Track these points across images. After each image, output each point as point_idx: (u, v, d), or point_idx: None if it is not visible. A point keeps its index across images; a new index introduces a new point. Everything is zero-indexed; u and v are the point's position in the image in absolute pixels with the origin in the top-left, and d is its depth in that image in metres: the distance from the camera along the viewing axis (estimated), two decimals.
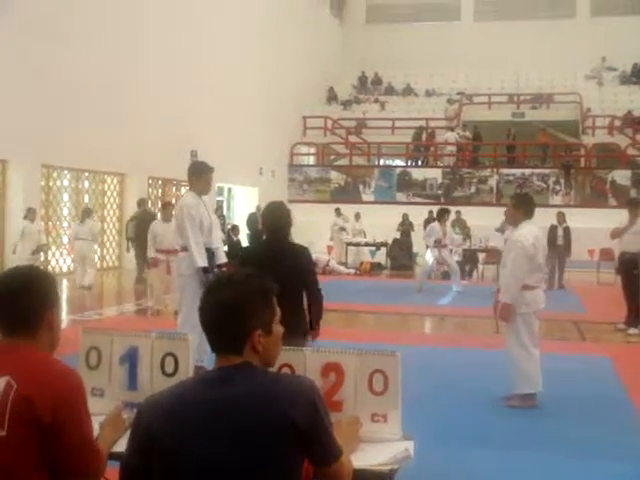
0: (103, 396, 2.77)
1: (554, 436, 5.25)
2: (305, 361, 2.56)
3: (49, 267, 15.31)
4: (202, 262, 6.58)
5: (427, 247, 15.02)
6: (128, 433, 2.43)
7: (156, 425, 1.93)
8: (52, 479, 2.12)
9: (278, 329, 2.10)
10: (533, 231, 6.02)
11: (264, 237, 4.96)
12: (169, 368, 2.69)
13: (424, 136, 26.88)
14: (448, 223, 15.13)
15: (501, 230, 14.72)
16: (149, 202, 18.98)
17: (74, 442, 2.11)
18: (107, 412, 2.59)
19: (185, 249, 6.75)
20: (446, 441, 4.98)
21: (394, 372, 2.53)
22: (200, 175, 6.78)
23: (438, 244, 14.59)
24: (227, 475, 1.87)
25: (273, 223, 4.86)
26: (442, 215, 14.91)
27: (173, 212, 9.38)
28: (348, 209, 21.77)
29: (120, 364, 2.76)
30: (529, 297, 5.97)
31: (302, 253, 4.87)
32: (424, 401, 5.50)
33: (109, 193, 18.01)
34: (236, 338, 2.00)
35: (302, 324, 4.63)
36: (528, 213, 6.07)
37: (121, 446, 2.40)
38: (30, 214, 13.32)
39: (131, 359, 2.74)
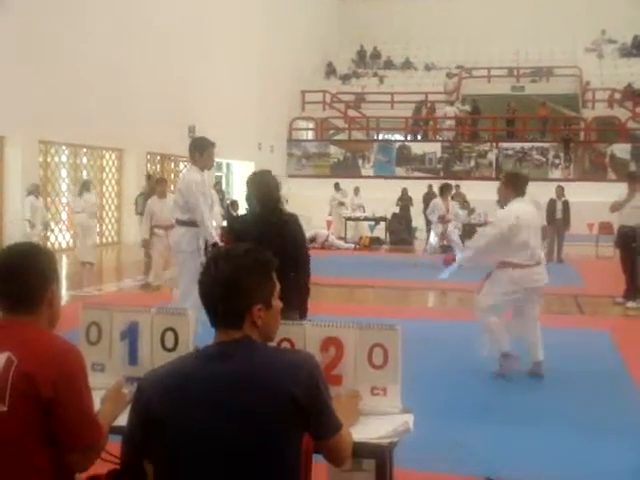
0: (104, 371, 2.78)
1: (553, 411, 5.28)
2: (305, 335, 2.56)
3: (48, 243, 15.31)
4: (217, 238, 6.72)
5: (430, 223, 15.00)
6: (129, 408, 2.45)
7: (156, 400, 1.94)
8: (55, 453, 2.13)
9: (277, 303, 2.11)
10: (518, 209, 5.99)
11: (257, 209, 4.86)
12: (169, 343, 2.69)
13: (423, 110, 26.76)
14: (450, 198, 15.10)
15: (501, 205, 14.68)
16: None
17: (75, 417, 2.12)
18: (108, 387, 2.59)
19: (185, 224, 6.74)
20: (446, 415, 5.01)
21: (394, 346, 2.53)
22: (203, 150, 6.76)
23: (442, 220, 14.56)
24: (227, 450, 1.89)
25: (266, 195, 4.81)
26: (444, 191, 14.86)
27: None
28: (347, 184, 21.72)
29: (120, 339, 2.76)
30: (516, 275, 5.99)
31: (297, 226, 4.84)
32: (424, 375, 5.53)
33: (107, 169, 17.97)
34: (236, 313, 2.00)
35: (296, 299, 4.59)
36: (518, 191, 6.06)
37: (122, 420, 2.41)
38: (35, 190, 13.28)
39: (131, 334, 2.73)
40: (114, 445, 2.36)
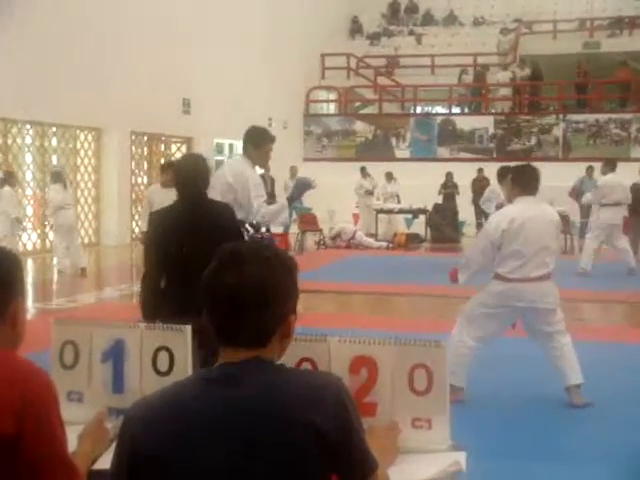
0: (82, 401, 2.79)
1: (631, 446, 5.25)
2: (329, 353, 2.56)
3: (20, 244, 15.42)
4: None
5: (483, 216, 14.92)
6: (113, 446, 2.46)
7: (147, 437, 1.94)
8: None
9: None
10: (515, 211, 6.00)
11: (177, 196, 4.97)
12: (162, 365, 2.69)
13: (467, 77, 26.68)
14: None
15: (575, 193, 14.64)
16: (133, 163, 19.06)
17: (44, 458, 2.12)
18: (87, 421, 2.60)
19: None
20: (502, 452, 5.00)
21: (440, 367, 2.52)
22: (259, 144, 6.84)
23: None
24: None
25: (187, 176, 4.88)
26: (505, 175, 14.78)
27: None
28: (377, 168, 21.72)
29: (102, 362, 2.76)
30: (498, 289, 6.06)
31: (227, 212, 4.92)
32: (474, 403, 5.52)
33: (82, 153, 18.09)
34: (268, 326, 2.00)
35: None
36: (525, 188, 6.08)
37: (104, 463, 2.43)
38: (11, 178, 13.43)
39: (116, 355, 2.74)
40: None
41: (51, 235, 17.08)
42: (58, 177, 14.12)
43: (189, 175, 4.88)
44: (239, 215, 7.03)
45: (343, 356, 2.55)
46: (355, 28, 30.94)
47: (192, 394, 1.99)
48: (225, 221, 4.83)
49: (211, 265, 2.06)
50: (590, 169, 18.93)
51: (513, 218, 5.91)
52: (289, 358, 2.52)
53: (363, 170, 21.57)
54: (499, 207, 14.17)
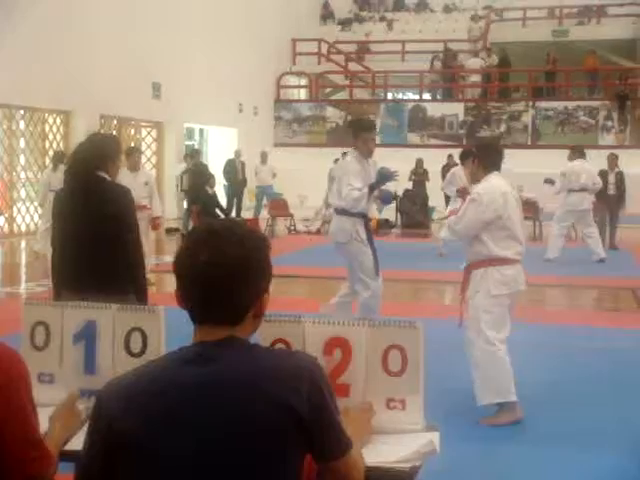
0: (53, 382, 2.75)
1: (604, 428, 5.29)
2: (304, 335, 2.54)
3: None
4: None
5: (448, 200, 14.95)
6: (85, 427, 2.44)
7: (121, 417, 1.92)
8: None
9: None
10: (500, 185, 5.56)
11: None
12: (135, 346, 2.66)
13: (438, 63, 26.71)
14: None
15: (550, 181, 14.68)
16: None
17: (16, 440, 2.10)
18: (58, 402, 2.57)
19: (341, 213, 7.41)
20: (472, 433, 5.02)
21: (414, 348, 2.51)
22: (357, 134, 7.34)
23: (462, 194, 14.53)
24: (215, 477, 1.87)
25: (78, 152, 4.86)
26: (466, 157, 14.83)
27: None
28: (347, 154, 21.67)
29: (74, 343, 2.72)
30: (509, 274, 5.43)
31: (121, 193, 4.81)
32: (444, 385, 5.53)
33: (51, 136, 17.90)
34: (242, 305, 1.99)
35: (123, 279, 4.64)
36: (495, 164, 5.72)
37: (76, 444, 2.39)
38: None
39: (88, 336, 2.70)
40: (65, 477, 2.35)
41: (20, 219, 16.97)
42: (57, 158, 13.97)
43: (81, 156, 4.82)
44: (336, 201, 7.41)
45: (317, 337, 2.54)
46: (326, 14, 30.85)
47: (167, 373, 1.97)
48: (113, 205, 4.69)
49: (184, 244, 2.04)
50: (612, 157, 18.61)
51: (504, 192, 5.52)
52: (263, 339, 2.52)
53: (344, 155, 21.44)
54: (460, 190, 14.22)
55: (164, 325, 2.68)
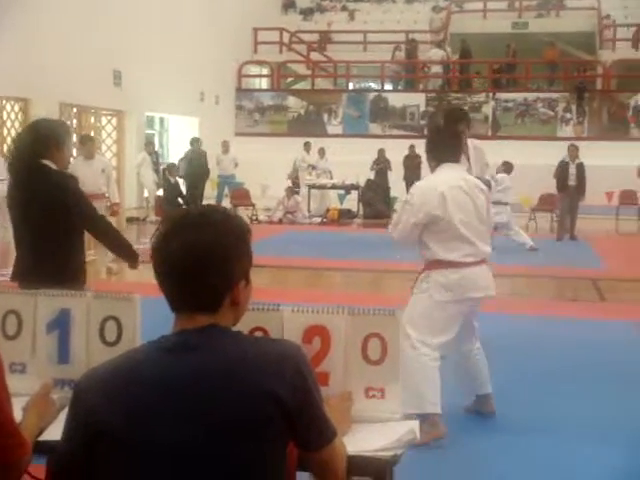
0: (25, 372, 2.70)
1: (569, 418, 5.35)
2: (282, 323, 2.52)
3: None
4: None
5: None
6: (61, 417, 2.40)
7: (100, 407, 1.89)
8: None
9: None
10: (443, 183, 4.99)
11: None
12: (110, 336, 2.62)
13: (399, 54, 26.76)
14: None
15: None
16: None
17: None
18: (31, 392, 2.53)
19: None
20: (451, 422, 5.04)
21: (394, 336, 2.50)
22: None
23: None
24: (195, 468, 1.84)
25: (19, 141, 4.81)
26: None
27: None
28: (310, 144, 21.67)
29: (47, 332, 2.67)
30: (454, 279, 4.96)
31: (64, 181, 4.71)
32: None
33: (9, 124, 17.62)
34: (215, 292, 1.96)
35: (72, 267, 4.62)
36: (438, 156, 5.15)
37: (51, 434, 2.36)
38: None
39: (61, 325, 2.66)
40: (37, 467, 2.31)
41: None
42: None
43: (22, 144, 4.72)
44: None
45: (296, 325, 2.52)
46: (288, 3, 30.74)
47: (148, 363, 1.94)
48: (59, 191, 4.59)
49: (160, 230, 2.01)
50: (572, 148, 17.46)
51: (442, 192, 4.96)
52: (241, 327, 2.48)
53: (307, 145, 21.40)
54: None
55: (140, 314, 2.64)
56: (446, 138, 5.30)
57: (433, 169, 5.18)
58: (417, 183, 5.34)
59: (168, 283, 1.96)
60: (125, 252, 4.95)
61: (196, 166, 19.26)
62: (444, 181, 4.98)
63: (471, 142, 6.67)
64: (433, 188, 4.96)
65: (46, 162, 4.57)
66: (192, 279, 1.93)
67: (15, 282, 4.58)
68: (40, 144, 4.58)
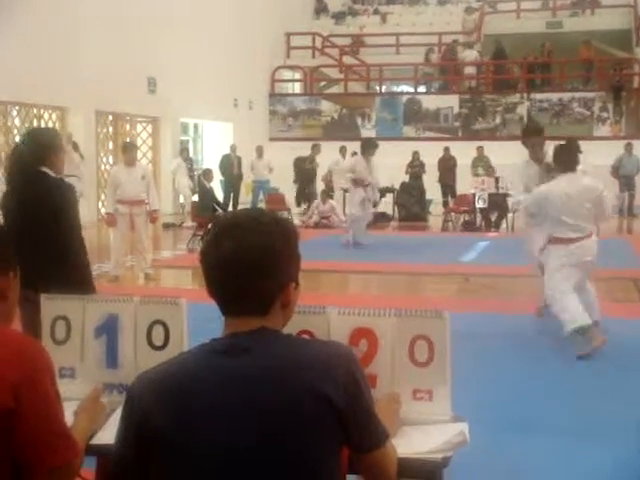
0: (74, 377, 2.73)
1: (616, 421, 5.30)
2: (329, 325, 2.52)
3: None
4: None
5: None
6: (111, 421, 2.42)
7: (154, 411, 1.90)
8: (17, 476, 2.09)
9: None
10: None
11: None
12: (158, 340, 2.64)
13: (433, 55, 26.70)
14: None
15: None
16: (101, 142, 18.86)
17: (43, 431, 2.08)
18: (80, 396, 2.56)
19: None
20: (489, 426, 5.00)
21: (441, 338, 2.49)
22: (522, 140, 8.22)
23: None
24: (249, 471, 1.85)
25: (18, 150, 4.82)
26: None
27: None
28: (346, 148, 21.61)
29: (95, 337, 2.70)
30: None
31: (60, 188, 4.73)
32: (473, 376, 5.53)
33: None
34: (268, 293, 1.96)
35: (75, 274, 4.57)
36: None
37: (102, 438, 2.39)
38: None
39: (109, 330, 2.68)
40: (87, 471, 2.34)
41: None
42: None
43: (20, 153, 4.77)
44: None
45: (342, 328, 2.52)
46: (320, 7, 30.79)
47: (200, 366, 1.94)
48: (51, 201, 4.61)
49: (209, 234, 2.03)
50: (629, 146, 19.22)
51: None
52: (288, 330, 2.49)
53: (342, 149, 21.35)
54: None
55: (186, 318, 2.66)
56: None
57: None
58: None
59: (219, 286, 1.96)
60: (78, 281, 4.49)
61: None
62: None
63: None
64: None
65: (45, 169, 4.68)
66: (244, 281, 1.93)
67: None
68: (39, 152, 4.69)
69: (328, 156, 21.10)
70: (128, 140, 16.55)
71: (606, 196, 7.18)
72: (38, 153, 4.68)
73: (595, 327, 6.82)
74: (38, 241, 4.51)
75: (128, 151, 11.21)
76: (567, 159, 7.11)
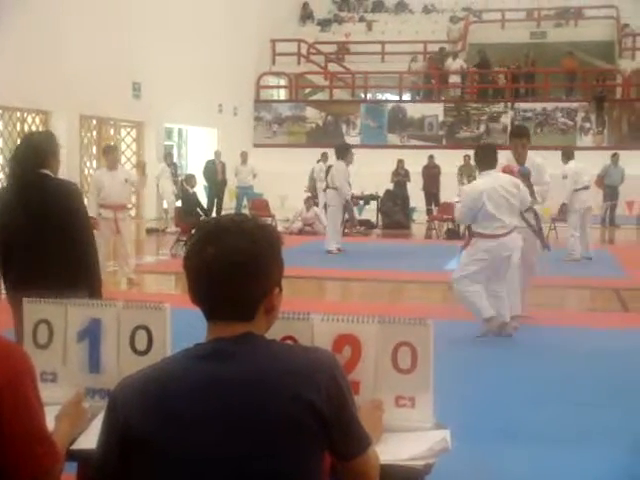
0: (56, 381, 2.72)
1: (594, 428, 5.32)
2: (312, 332, 2.52)
3: None
4: None
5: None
6: (93, 426, 2.41)
7: (139, 416, 1.89)
8: None
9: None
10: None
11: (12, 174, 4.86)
12: (141, 345, 2.63)
13: (416, 64, 26.75)
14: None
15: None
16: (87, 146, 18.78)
17: (22, 435, 2.07)
18: (62, 401, 2.55)
19: None
20: (473, 433, 5.02)
21: (425, 345, 2.49)
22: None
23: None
24: (233, 477, 1.85)
25: (18, 153, 4.80)
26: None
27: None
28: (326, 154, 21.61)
29: (78, 341, 2.69)
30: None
31: (67, 188, 4.75)
32: (455, 382, 5.54)
33: None
34: (253, 298, 1.96)
35: (82, 277, 4.57)
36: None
37: (83, 442, 2.37)
38: None
39: (92, 335, 2.67)
40: (69, 476, 2.33)
41: None
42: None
43: (21, 156, 4.76)
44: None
45: (326, 334, 2.52)
46: (305, 14, 30.82)
47: (183, 372, 1.94)
48: (57, 200, 4.61)
49: (193, 239, 2.02)
50: (615, 156, 19.30)
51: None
52: (271, 336, 2.49)
53: (324, 155, 21.35)
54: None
55: (170, 323, 2.65)
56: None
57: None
58: None
59: (203, 290, 1.96)
60: (93, 290, 4.60)
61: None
62: None
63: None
64: None
65: (46, 171, 4.68)
66: (228, 286, 1.93)
67: (9, 292, 4.59)
68: (39, 155, 4.70)
69: (312, 163, 21.11)
70: (109, 143, 16.47)
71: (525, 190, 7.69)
72: (39, 157, 4.70)
73: (514, 321, 7.62)
74: (49, 243, 4.49)
75: (109, 154, 11.16)
76: (489, 158, 7.71)
